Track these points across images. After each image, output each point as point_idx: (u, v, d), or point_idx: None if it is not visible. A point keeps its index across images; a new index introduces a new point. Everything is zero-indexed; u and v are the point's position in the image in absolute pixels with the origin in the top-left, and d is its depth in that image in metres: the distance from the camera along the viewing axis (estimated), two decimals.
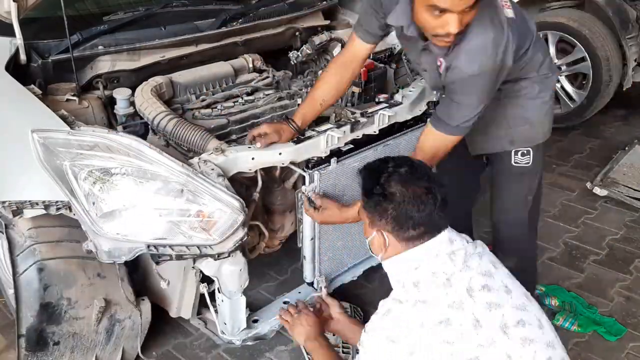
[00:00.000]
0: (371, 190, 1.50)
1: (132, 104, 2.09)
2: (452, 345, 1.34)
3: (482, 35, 1.61)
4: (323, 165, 2.02)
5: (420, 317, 1.37)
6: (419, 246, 1.45)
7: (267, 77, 2.39)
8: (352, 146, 2.10)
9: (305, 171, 2.01)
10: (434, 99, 2.40)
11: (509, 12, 1.71)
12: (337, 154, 2.05)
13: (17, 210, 1.80)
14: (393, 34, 2.80)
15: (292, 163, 1.95)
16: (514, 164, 2.00)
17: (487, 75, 1.65)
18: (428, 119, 1.88)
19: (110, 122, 2.12)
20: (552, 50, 3.94)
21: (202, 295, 2.00)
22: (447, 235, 1.47)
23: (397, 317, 1.40)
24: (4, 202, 1.78)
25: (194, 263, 1.87)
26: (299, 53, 2.59)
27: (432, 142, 1.84)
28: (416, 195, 1.44)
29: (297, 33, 2.65)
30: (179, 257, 1.75)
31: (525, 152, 1.98)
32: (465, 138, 1.95)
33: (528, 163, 2.00)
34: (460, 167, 2.19)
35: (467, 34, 1.60)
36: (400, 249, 1.48)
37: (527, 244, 2.17)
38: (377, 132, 2.16)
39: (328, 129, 2.02)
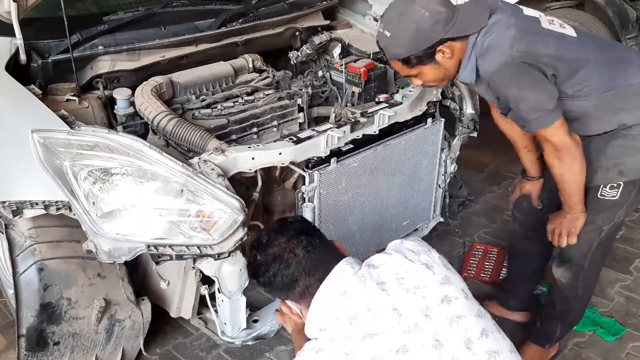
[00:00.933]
0: (257, 279, 1.53)
1: (132, 104, 2.09)
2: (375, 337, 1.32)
3: (490, 38, 1.63)
4: (323, 165, 2.03)
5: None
6: (317, 292, 1.42)
7: (267, 77, 2.39)
8: (352, 146, 2.10)
9: (305, 171, 2.01)
10: (434, 99, 2.41)
11: (556, 27, 1.72)
12: (337, 154, 2.05)
13: (17, 210, 1.80)
14: None
15: (292, 163, 1.95)
16: (599, 196, 1.86)
17: (509, 66, 1.61)
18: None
19: (110, 122, 2.12)
20: None
21: (202, 295, 2.01)
22: (342, 265, 1.44)
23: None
24: (4, 202, 1.78)
25: (194, 263, 1.87)
26: (299, 53, 2.59)
27: (547, 140, 1.73)
28: (277, 256, 1.46)
29: (297, 33, 2.65)
30: (179, 257, 1.74)
31: (615, 185, 1.84)
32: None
33: (614, 197, 1.85)
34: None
35: (486, 33, 1.64)
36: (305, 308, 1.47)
37: (588, 272, 2.02)
38: (377, 132, 2.16)
39: (328, 129, 2.02)
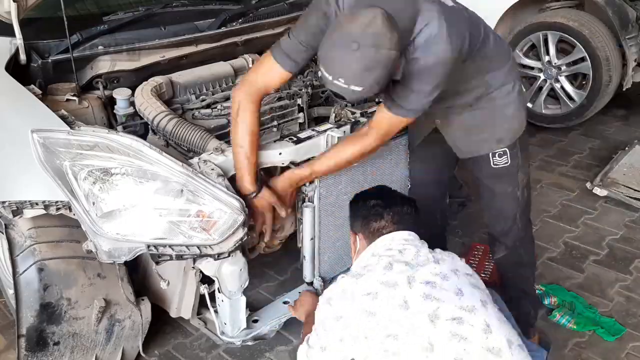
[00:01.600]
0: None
1: (132, 104, 2.09)
2: (373, 317, 1.44)
3: (433, 27, 1.60)
4: None
5: (353, 288, 1.51)
6: (377, 239, 1.66)
7: None
8: None
9: None
10: None
11: (449, 1, 1.70)
12: None
13: (17, 210, 1.80)
14: None
15: (292, 163, 1.95)
16: (493, 166, 1.98)
17: (444, 64, 1.63)
18: (381, 102, 1.85)
19: (110, 122, 2.12)
20: (552, 50, 3.94)
21: (202, 295, 2.01)
22: (404, 234, 1.65)
23: (337, 285, 1.56)
24: (4, 202, 1.78)
25: (194, 263, 1.87)
26: None
27: (387, 124, 1.81)
28: (378, 205, 1.72)
29: None
30: (179, 257, 1.75)
31: (501, 152, 1.95)
32: (451, 144, 2.01)
33: (507, 163, 1.97)
34: (430, 172, 2.25)
35: (421, 29, 1.60)
36: (365, 245, 1.70)
37: (524, 237, 2.15)
38: None
39: (328, 129, 2.02)
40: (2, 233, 1.93)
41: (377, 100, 2.30)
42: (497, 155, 1.95)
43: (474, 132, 1.96)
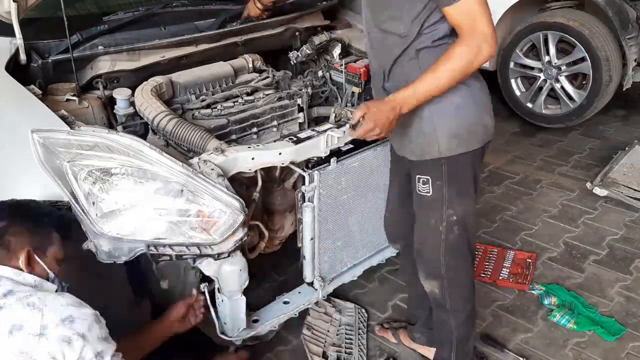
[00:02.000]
0: None
1: (132, 104, 2.09)
2: None
3: None
4: (323, 165, 2.02)
5: None
6: None
7: (267, 77, 2.39)
8: (352, 146, 2.10)
9: (305, 171, 2.01)
10: None
11: None
12: (337, 154, 2.05)
13: None
14: None
15: (292, 163, 1.95)
16: (417, 190, 1.78)
17: None
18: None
19: (110, 122, 2.12)
20: (552, 50, 3.94)
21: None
22: None
23: None
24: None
25: (194, 263, 1.87)
26: (298, 53, 2.59)
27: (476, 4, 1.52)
28: None
29: (297, 33, 2.65)
30: (179, 257, 1.75)
31: (424, 179, 1.75)
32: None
33: (428, 193, 1.75)
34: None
35: None
36: None
37: (452, 280, 1.87)
38: None
39: (328, 129, 2.01)
40: None
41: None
42: (420, 181, 1.76)
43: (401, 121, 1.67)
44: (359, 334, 2.31)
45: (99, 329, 1.39)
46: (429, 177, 1.74)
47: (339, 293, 2.45)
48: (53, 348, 1.31)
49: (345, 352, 2.21)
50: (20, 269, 1.48)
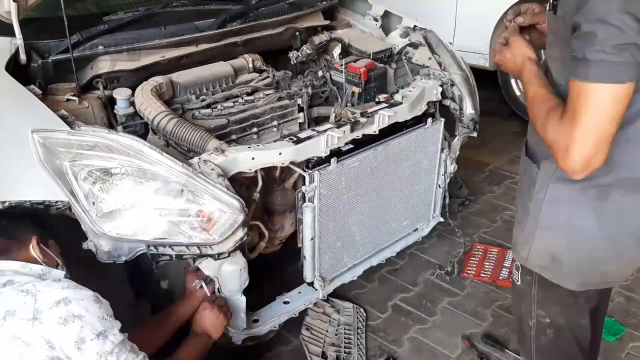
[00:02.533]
0: None
1: (132, 104, 2.08)
2: None
3: None
4: (323, 165, 2.03)
5: None
6: None
7: (267, 77, 2.38)
8: (352, 146, 2.10)
9: (305, 171, 2.01)
10: (434, 99, 2.41)
11: None
12: (337, 154, 2.05)
13: None
14: (393, 33, 2.82)
15: (292, 163, 1.95)
16: (512, 279, 1.57)
17: None
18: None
19: (110, 122, 2.12)
20: None
21: None
22: None
23: None
24: (4, 202, 1.78)
25: (194, 263, 1.87)
26: (299, 53, 2.59)
27: (579, 100, 1.10)
28: None
29: (297, 33, 2.65)
30: (179, 257, 1.75)
31: (517, 265, 1.51)
32: None
33: (517, 281, 1.52)
34: None
35: None
36: None
37: None
38: (377, 132, 2.16)
39: (328, 129, 2.02)
40: None
41: (377, 100, 2.30)
42: (514, 267, 1.53)
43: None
44: (357, 334, 2.31)
45: (98, 308, 1.37)
46: (519, 265, 1.49)
47: (338, 293, 2.45)
48: (47, 331, 1.30)
49: (345, 352, 2.21)
50: (30, 261, 1.48)
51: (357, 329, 2.34)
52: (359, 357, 2.21)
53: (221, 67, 2.34)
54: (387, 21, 2.92)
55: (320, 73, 2.61)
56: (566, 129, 1.12)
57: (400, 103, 2.24)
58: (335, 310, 2.43)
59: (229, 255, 1.79)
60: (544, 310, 1.49)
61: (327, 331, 2.33)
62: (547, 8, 1.27)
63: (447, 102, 2.53)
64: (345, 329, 2.33)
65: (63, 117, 1.81)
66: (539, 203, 1.33)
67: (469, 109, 2.52)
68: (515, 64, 1.39)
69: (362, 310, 2.45)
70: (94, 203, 1.66)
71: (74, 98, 2.02)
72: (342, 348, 2.24)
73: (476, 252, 2.82)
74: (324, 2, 2.78)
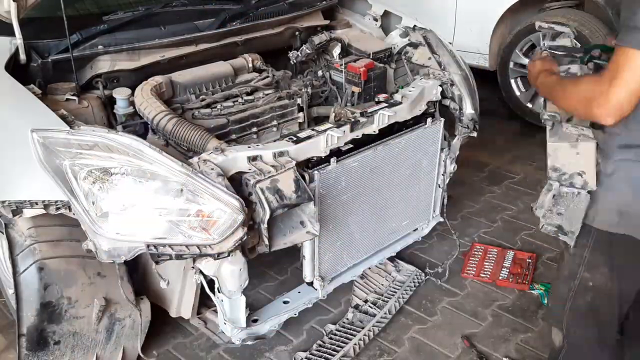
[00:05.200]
0: None
1: (132, 103, 2.09)
2: None
3: None
4: (323, 165, 2.03)
5: None
6: None
7: (267, 77, 2.39)
8: (351, 146, 2.10)
9: (305, 171, 2.01)
10: (434, 99, 2.40)
11: None
12: (336, 153, 2.05)
13: (17, 210, 1.80)
14: (393, 33, 2.82)
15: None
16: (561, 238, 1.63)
17: None
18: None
19: (110, 121, 2.12)
20: None
21: (201, 296, 2.01)
22: None
23: None
24: (3, 202, 1.79)
25: (194, 263, 1.87)
26: (298, 53, 2.59)
27: (619, 62, 1.31)
28: None
29: (296, 33, 2.65)
30: (179, 257, 1.74)
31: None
32: None
33: (570, 243, 1.60)
34: None
35: None
36: None
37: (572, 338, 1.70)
38: (377, 132, 2.16)
39: (328, 129, 2.02)
40: (2, 233, 1.93)
41: (376, 99, 2.30)
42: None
43: None
44: (405, 290, 2.48)
45: None
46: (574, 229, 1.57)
47: (339, 293, 2.45)
48: None
49: (383, 300, 2.37)
50: None
51: (407, 286, 2.49)
52: (394, 307, 2.38)
53: (221, 67, 2.34)
54: (387, 21, 2.92)
55: (320, 73, 2.61)
56: (606, 80, 1.32)
57: (400, 103, 2.24)
58: (396, 269, 2.57)
59: (228, 255, 1.79)
60: (590, 273, 1.58)
61: (381, 284, 2.51)
62: None
63: (447, 102, 2.53)
64: (396, 285, 2.48)
65: (63, 117, 1.81)
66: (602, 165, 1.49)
67: (468, 109, 2.51)
68: (534, 74, 1.70)
69: (423, 275, 2.59)
70: (93, 202, 1.66)
71: (74, 98, 2.02)
72: (383, 297, 2.38)
73: (476, 252, 2.81)
74: (324, 2, 2.79)
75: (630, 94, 1.31)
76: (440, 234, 2.92)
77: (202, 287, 1.94)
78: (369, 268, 2.51)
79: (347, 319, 2.35)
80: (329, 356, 2.17)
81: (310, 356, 2.18)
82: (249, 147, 1.90)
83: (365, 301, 2.40)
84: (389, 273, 2.53)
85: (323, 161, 2.02)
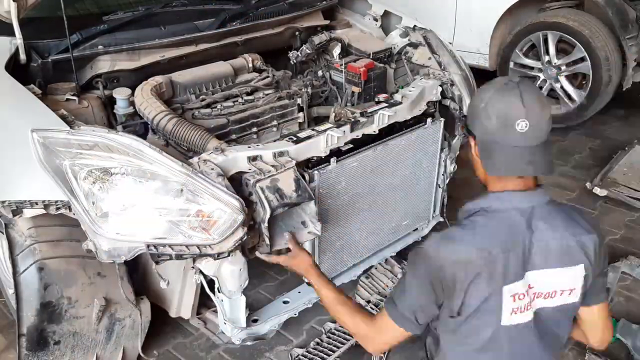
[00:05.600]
0: None
1: (132, 103, 2.09)
2: None
3: None
4: (323, 165, 2.03)
5: None
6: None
7: (267, 77, 2.39)
8: (351, 146, 2.10)
9: (305, 171, 2.01)
10: (434, 99, 2.41)
11: None
12: (336, 153, 2.05)
13: (17, 210, 1.80)
14: (393, 33, 2.82)
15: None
16: None
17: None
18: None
19: (110, 121, 2.12)
20: (552, 50, 3.95)
21: (201, 296, 2.00)
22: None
23: None
24: (4, 202, 1.79)
25: (194, 263, 1.87)
26: (298, 53, 2.59)
27: (380, 324, 1.53)
28: None
29: (296, 33, 2.65)
30: (179, 257, 1.74)
31: None
32: None
33: None
34: None
35: None
36: None
37: None
38: (377, 132, 2.16)
39: (328, 129, 2.02)
40: (2, 233, 1.93)
41: (376, 99, 2.30)
42: None
43: None
44: None
45: None
46: None
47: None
48: None
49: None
50: None
51: None
52: None
53: (221, 67, 2.34)
54: (386, 21, 2.92)
55: (320, 73, 2.61)
56: (375, 331, 1.53)
57: (400, 103, 2.24)
58: (403, 271, 2.52)
59: (228, 255, 1.79)
60: None
61: (386, 285, 2.47)
62: None
63: (447, 102, 2.53)
64: None
65: (63, 117, 1.81)
66: None
67: None
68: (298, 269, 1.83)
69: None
70: (93, 202, 1.66)
71: (74, 98, 2.02)
72: (385, 298, 2.33)
73: None
74: (324, 2, 2.79)
75: (395, 343, 1.53)
76: None
77: (202, 287, 1.94)
78: (375, 268, 2.50)
79: None
80: (325, 356, 2.17)
81: (307, 353, 2.18)
82: (249, 147, 1.90)
83: (368, 302, 2.39)
84: (395, 275, 2.51)
85: (323, 161, 2.02)
